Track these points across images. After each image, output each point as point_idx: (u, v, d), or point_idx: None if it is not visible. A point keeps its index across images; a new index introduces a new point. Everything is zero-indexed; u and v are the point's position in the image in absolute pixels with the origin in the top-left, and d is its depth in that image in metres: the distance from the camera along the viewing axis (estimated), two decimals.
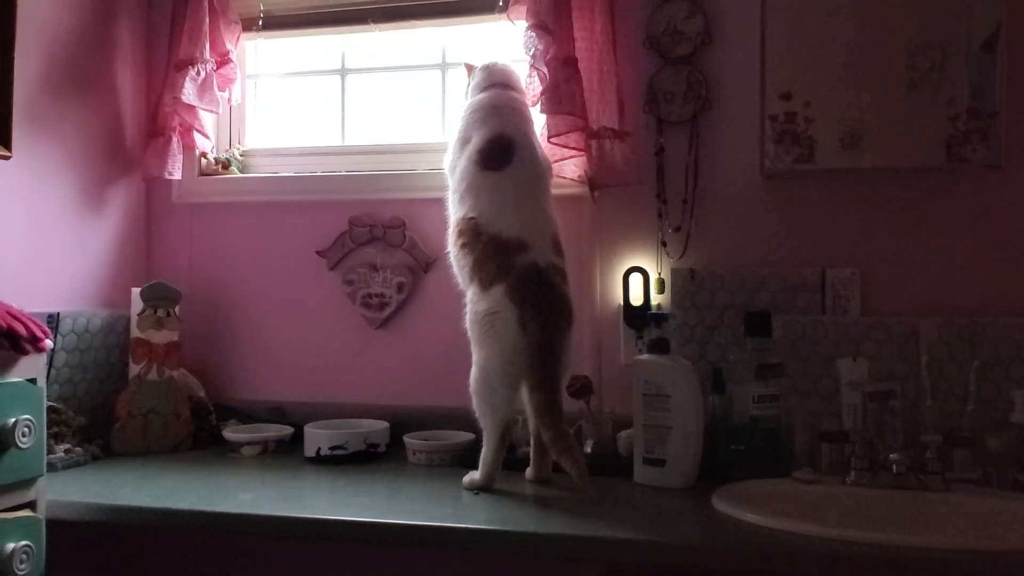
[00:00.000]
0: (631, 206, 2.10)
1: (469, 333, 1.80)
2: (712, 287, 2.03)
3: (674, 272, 2.05)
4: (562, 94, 2.00)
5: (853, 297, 1.96)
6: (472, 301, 1.80)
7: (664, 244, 2.06)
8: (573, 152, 2.06)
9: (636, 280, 2.08)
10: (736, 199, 2.05)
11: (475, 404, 1.79)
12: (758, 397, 1.85)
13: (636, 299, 2.08)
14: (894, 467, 1.71)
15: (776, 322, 1.94)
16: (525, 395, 1.72)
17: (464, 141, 1.92)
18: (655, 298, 2.07)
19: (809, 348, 1.95)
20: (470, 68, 2.09)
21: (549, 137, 2.04)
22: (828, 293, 1.97)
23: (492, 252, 1.77)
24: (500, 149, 1.85)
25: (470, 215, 1.82)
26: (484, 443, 1.79)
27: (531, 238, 1.77)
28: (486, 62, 2.06)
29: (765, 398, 1.86)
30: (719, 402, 1.90)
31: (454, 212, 1.89)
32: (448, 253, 1.90)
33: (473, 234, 1.80)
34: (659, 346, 1.85)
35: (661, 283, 2.06)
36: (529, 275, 1.74)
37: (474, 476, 1.78)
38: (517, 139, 1.87)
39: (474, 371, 1.79)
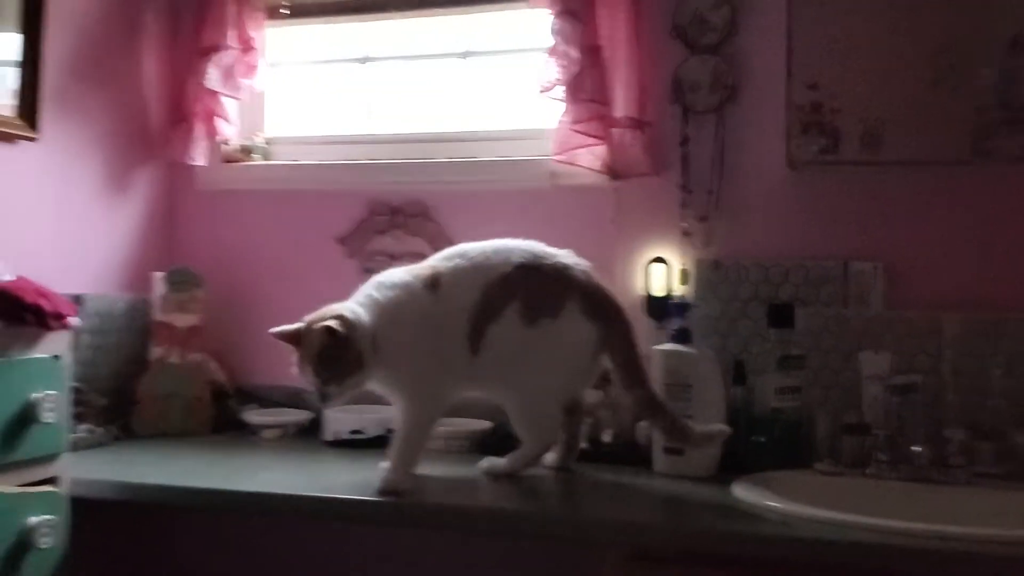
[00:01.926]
0: (654, 196, 2.09)
1: (512, 364, 1.72)
2: (735, 278, 2.02)
3: (697, 263, 2.05)
4: (585, 81, 2.00)
5: (876, 290, 1.95)
6: (537, 331, 1.71)
7: (688, 234, 2.05)
8: (593, 141, 2.06)
9: (658, 270, 2.07)
10: (761, 190, 2.04)
11: (526, 426, 1.76)
12: (780, 389, 1.85)
13: (658, 290, 2.07)
14: (916, 460, 1.71)
15: (799, 314, 1.93)
16: (623, 394, 1.77)
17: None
18: (678, 289, 2.06)
19: (831, 341, 1.94)
20: None
21: (571, 125, 2.04)
22: (851, 286, 1.96)
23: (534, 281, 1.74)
24: None
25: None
26: (524, 449, 1.77)
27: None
28: None
29: (787, 390, 1.85)
30: (740, 394, 1.90)
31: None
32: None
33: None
34: (681, 336, 1.85)
35: (684, 274, 2.06)
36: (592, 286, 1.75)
37: (496, 463, 1.78)
38: None
39: (525, 399, 1.75)
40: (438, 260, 1.77)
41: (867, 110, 1.92)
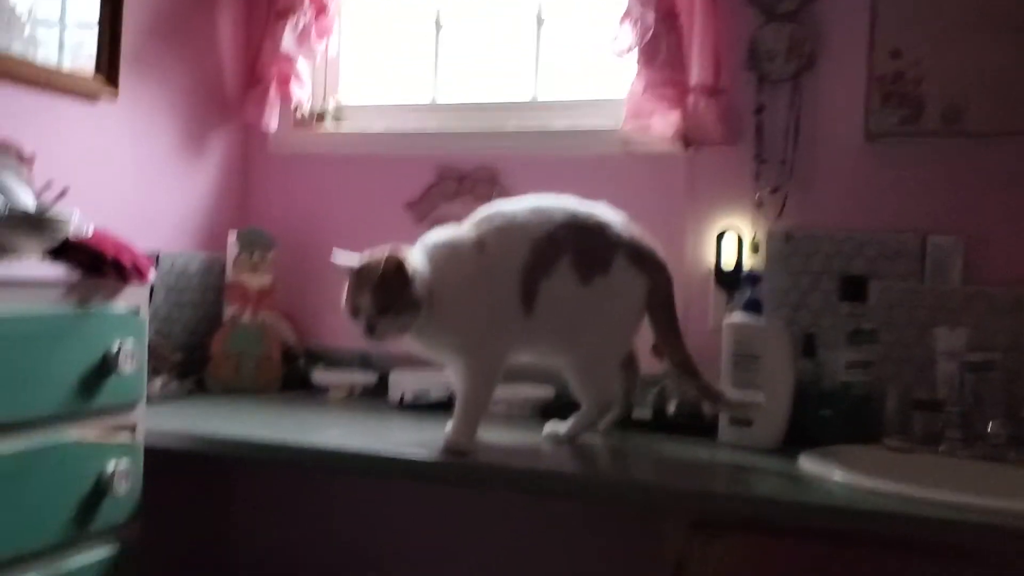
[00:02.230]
0: (727, 166, 2.06)
1: (569, 322, 1.71)
2: (808, 251, 1.98)
3: (769, 234, 2.01)
4: (660, 47, 1.98)
5: (954, 265, 1.89)
6: (591, 288, 1.70)
7: (760, 205, 2.02)
8: (666, 107, 2.03)
9: (729, 241, 2.05)
10: (837, 161, 1.99)
11: (587, 386, 1.76)
12: (850, 363, 1.82)
13: (728, 261, 2.05)
14: (991, 439, 1.67)
15: (873, 288, 1.89)
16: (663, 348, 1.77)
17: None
18: (748, 261, 2.03)
19: (905, 315, 1.90)
20: None
21: (643, 91, 2.02)
22: (928, 260, 1.91)
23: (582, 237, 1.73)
24: None
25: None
26: (586, 410, 1.77)
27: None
28: None
29: (857, 364, 1.82)
30: (809, 367, 1.87)
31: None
32: None
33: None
34: (751, 307, 1.83)
35: (755, 245, 2.03)
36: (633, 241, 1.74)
37: (559, 429, 1.78)
38: None
39: (583, 358, 1.75)
40: (478, 222, 1.74)
41: (951, 80, 1.86)
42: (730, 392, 1.74)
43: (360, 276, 1.63)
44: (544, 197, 1.77)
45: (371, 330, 1.62)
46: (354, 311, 1.64)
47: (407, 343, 1.69)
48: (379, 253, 1.63)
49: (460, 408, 1.67)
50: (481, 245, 1.69)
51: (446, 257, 1.68)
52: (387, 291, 1.60)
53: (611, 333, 1.75)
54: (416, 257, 1.65)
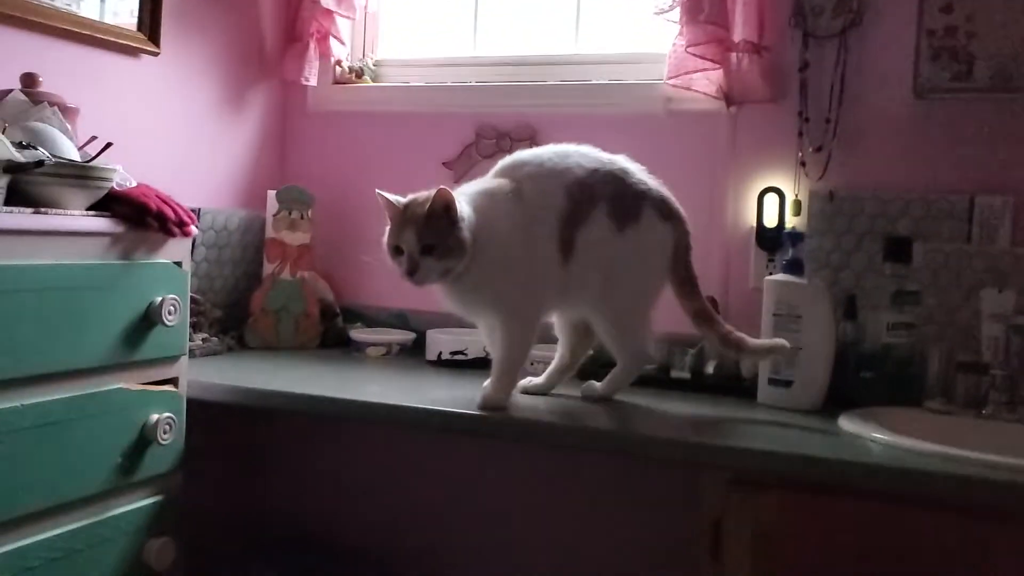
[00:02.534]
0: (770, 124, 2.03)
1: (604, 272, 1.69)
2: (851, 211, 1.95)
3: (812, 194, 1.99)
4: (703, 3, 1.94)
5: (1003, 226, 1.85)
6: (625, 237, 1.68)
7: (803, 164, 1.99)
8: (709, 64, 2.00)
9: (771, 201, 2.02)
10: (884, 119, 1.95)
11: (622, 341, 1.74)
12: (892, 324, 1.79)
13: (770, 220, 2.02)
14: None
15: (917, 249, 1.86)
16: (680, 299, 1.74)
17: None
18: (790, 220, 2.01)
19: (951, 277, 1.87)
20: None
21: (687, 47, 1.99)
22: (976, 221, 1.87)
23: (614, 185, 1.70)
24: None
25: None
26: (623, 366, 1.76)
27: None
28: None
29: (900, 326, 1.79)
30: (850, 328, 1.85)
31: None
32: None
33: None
34: (794, 267, 1.80)
35: (797, 205, 2.00)
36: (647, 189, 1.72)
37: (595, 386, 1.78)
38: None
39: (617, 307, 1.72)
40: (505, 170, 1.70)
41: (1003, 36, 1.82)
42: (750, 339, 1.71)
43: (406, 212, 1.59)
44: (564, 146, 1.73)
45: (413, 271, 1.57)
46: (396, 250, 1.60)
47: (443, 297, 1.67)
48: (426, 192, 1.60)
49: (497, 365, 1.67)
50: (518, 193, 1.65)
51: (489, 206, 1.63)
52: (434, 229, 1.55)
53: (644, 284, 1.73)
54: (462, 202, 1.61)
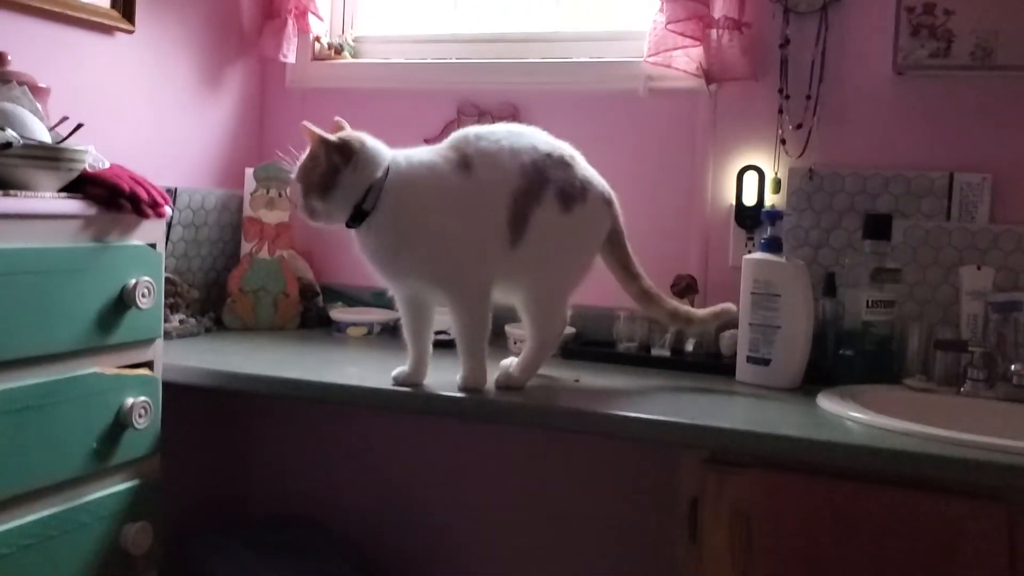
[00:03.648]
0: (750, 101, 2.02)
1: (548, 252, 1.66)
2: (831, 188, 1.95)
3: (792, 172, 1.98)
4: None
5: (982, 203, 1.86)
6: (572, 218, 1.66)
7: (783, 142, 1.98)
8: (689, 42, 1.98)
9: (751, 179, 2.02)
10: (864, 96, 1.95)
11: (549, 313, 1.71)
12: (872, 302, 1.79)
13: (749, 199, 2.02)
14: (1015, 379, 1.65)
15: (897, 227, 1.86)
16: (624, 283, 1.76)
17: None
18: (770, 198, 2.00)
19: (930, 255, 1.87)
20: None
21: (666, 24, 1.97)
22: (955, 199, 1.87)
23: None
24: None
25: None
26: (537, 347, 1.70)
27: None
28: None
29: (879, 303, 1.80)
30: (830, 306, 1.86)
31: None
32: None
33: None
34: (772, 245, 1.80)
35: (777, 183, 1.99)
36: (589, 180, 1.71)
37: (511, 373, 1.69)
38: None
39: (554, 285, 1.70)
40: (456, 142, 1.66)
41: (983, 12, 1.80)
42: (697, 310, 1.78)
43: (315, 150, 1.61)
44: (517, 126, 1.72)
45: (312, 213, 1.63)
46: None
47: (381, 272, 1.64)
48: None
49: (461, 346, 1.64)
50: (466, 165, 1.62)
51: (426, 175, 1.61)
52: (316, 169, 1.60)
53: (578, 264, 1.72)
54: (383, 152, 1.61)
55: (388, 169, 1.60)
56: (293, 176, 1.65)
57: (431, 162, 1.63)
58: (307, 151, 1.62)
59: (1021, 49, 1.79)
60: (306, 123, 1.59)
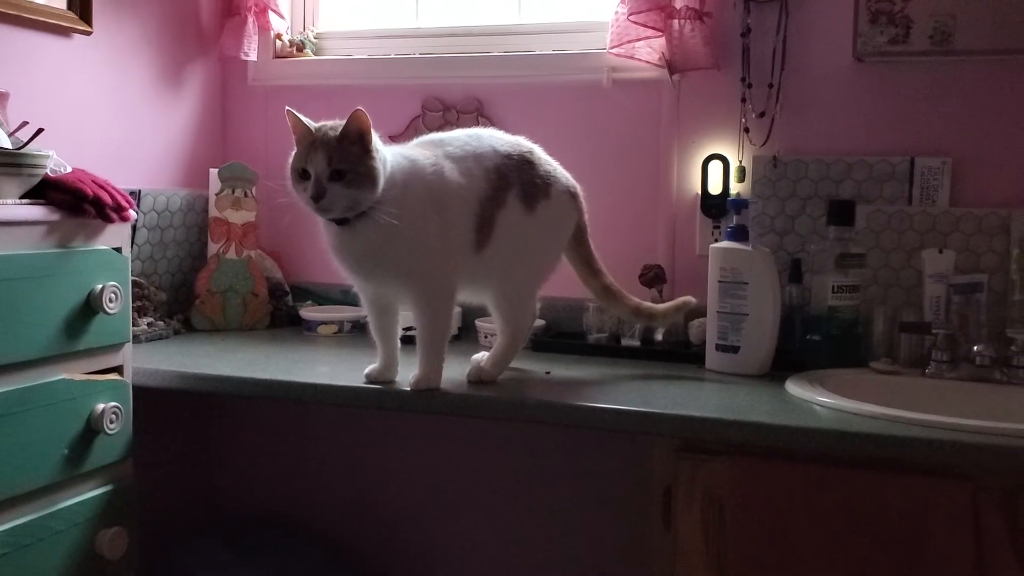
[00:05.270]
0: (712, 91, 2.03)
1: (515, 253, 1.67)
2: (795, 176, 1.97)
3: (756, 160, 2.00)
4: None
5: (942, 187, 1.89)
6: (536, 217, 1.68)
7: (747, 130, 2.00)
8: (651, 32, 1.99)
9: (715, 168, 2.03)
10: (825, 83, 1.97)
11: (518, 309, 1.72)
12: (837, 287, 1.82)
13: (715, 188, 2.03)
14: (977, 359, 1.68)
15: (860, 212, 1.89)
16: (586, 280, 1.80)
17: None
18: (735, 187, 2.02)
19: (893, 239, 1.90)
20: None
21: (628, 15, 1.98)
22: (916, 183, 1.90)
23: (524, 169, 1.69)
24: None
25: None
26: (508, 342, 1.72)
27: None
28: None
29: (844, 288, 1.82)
30: (796, 292, 1.88)
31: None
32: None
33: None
34: (738, 233, 1.82)
35: (742, 171, 2.01)
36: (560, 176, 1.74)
37: (482, 367, 1.70)
38: None
39: (523, 282, 1.72)
40: (424, 147, 1.66)
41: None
42: (658, 305, 1.84)
43: (317, 134, 1.52)
44: (476, 129, 1.74)
45: (319, 196, 1.49)
46: (302, 174, 1.52)
47: (334, 248, 1.60)
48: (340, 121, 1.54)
49: (421, 345, 1.62)
50: (438, 171, 1.61)
51: (411, 169, 1.59)
52: (347, 154, 1.48)
53: (547, 260, 1.74)
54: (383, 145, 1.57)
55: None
56: (298, 167, 1.54)
57: (414, 159, 1.62)
58: (325, 136, 1.51)
59: (978, 33, 1.82)
60: (360, 109, 1.50)
